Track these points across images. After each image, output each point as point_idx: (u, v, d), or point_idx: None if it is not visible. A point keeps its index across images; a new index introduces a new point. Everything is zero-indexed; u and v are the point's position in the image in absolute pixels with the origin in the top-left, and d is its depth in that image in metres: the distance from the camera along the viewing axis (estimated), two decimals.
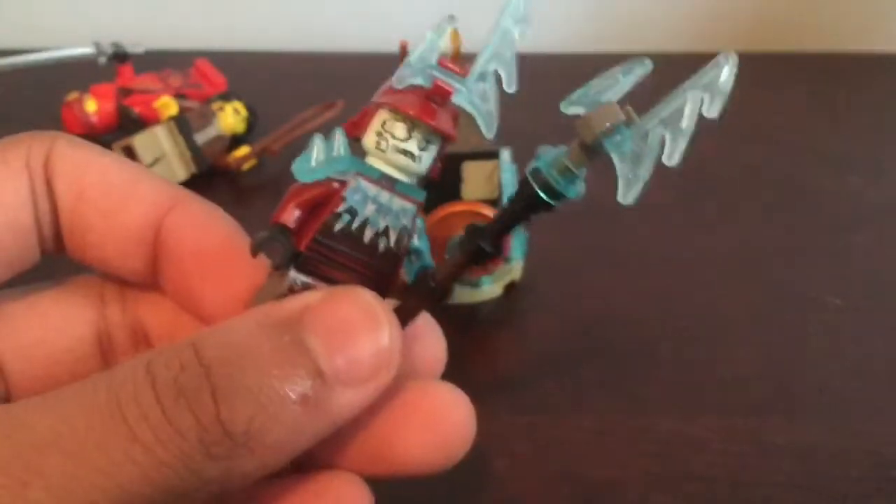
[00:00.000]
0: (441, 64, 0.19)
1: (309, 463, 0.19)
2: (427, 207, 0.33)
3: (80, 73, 0.63)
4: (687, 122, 0.17)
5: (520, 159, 0.41)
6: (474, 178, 0.40)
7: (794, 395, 0.37)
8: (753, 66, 0.78)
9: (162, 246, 0.21)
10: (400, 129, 0.19)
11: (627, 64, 0.18)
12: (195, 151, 0.54)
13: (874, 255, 0.47)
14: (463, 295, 0.42)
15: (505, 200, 0.20)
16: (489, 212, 0.39)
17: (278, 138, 0.56)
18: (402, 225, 0.20)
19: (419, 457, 0.19)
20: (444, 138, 0.20)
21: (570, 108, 0.18)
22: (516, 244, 0.41)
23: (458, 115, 0.20)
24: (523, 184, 0.19)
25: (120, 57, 0.63)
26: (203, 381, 0.15)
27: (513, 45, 0.19)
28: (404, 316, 0.19)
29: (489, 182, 0.40)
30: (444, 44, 0.19)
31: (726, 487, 0.32)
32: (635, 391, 0.37)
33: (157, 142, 0.53)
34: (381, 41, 0.66)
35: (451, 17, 0.19)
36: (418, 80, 0.19)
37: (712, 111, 0.17)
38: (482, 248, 0.20)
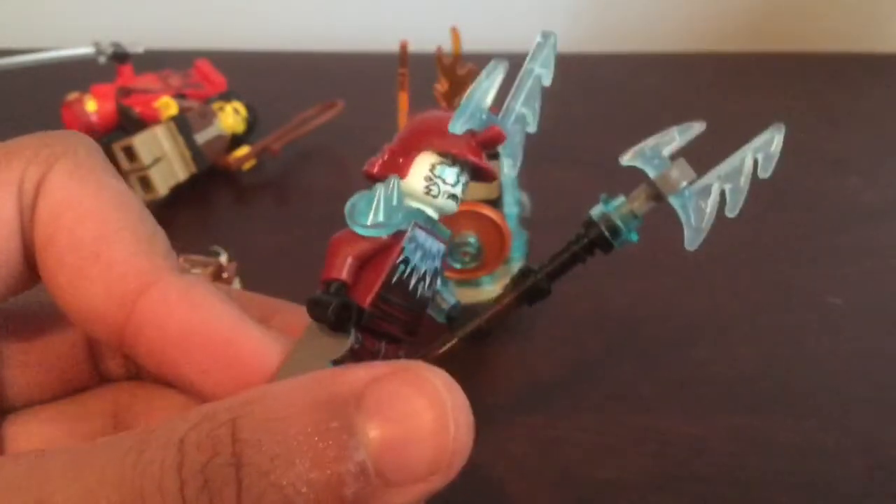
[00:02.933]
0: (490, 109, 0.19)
1: None
2: None
3: (80, 73, 0.63)
4: (745, 181, 0.20)
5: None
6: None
7: (795, 395, 0.37)
8: (753, 67, 0.78)
9: (138, 330, 0.18)
10: (451, 174, 0.19)
11: (684, 125, 0.20)
12: (195, 151, 0.54)
13: (874, 255, 0.47)
14: (463, 295, 0.42)
15: (563, 253, 0.21)
16: (489, 212, 0.39)
17: (278, 138, 0.57)
18: (436, 267, 0.19)
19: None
20: (486, 179, 0.20)
21: (630, 161, 0.20)
22: (517, 245, 0.41)
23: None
24: (588, 226, 0.20)
25: (120, 57, 0.63)
26: (231, 474, 0.14)
27: (540, 88, 0.19)
28: (447, 357, 0.19)
29: (489, 182, 0.40)
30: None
31: (726, 487, 0.32)
32: (635, 391, 0.37)
33: (157, 142, 0.53)
34: (381, 41, 0.66)
35: (500, 61, 0.19)
36: (473, 126, 0.19)
37: (765, 172, 0.20)
38: (539, 288, 0.20)
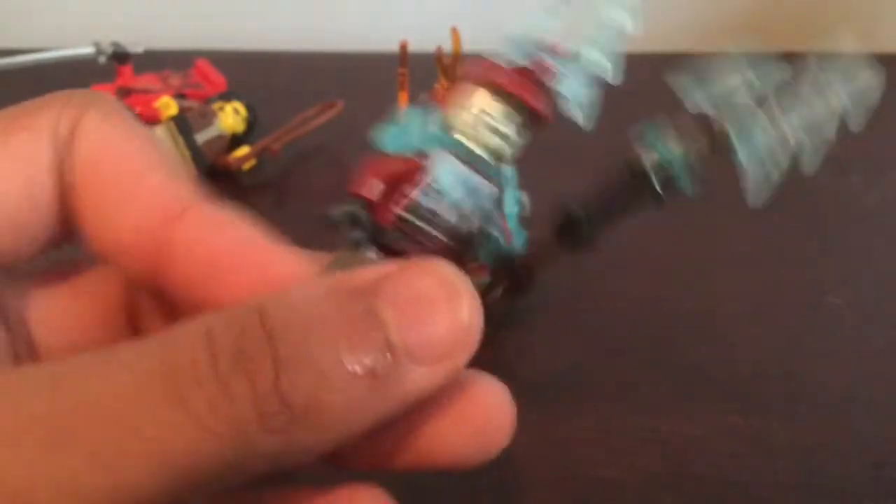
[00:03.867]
0: (547, 45, 0.18)
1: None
2: None
3: (80, 73, 0.63)
4: (830, 132, 0.16)
5: (520, 159, 0.41)
6: None
7: (794, 395, 0.37)
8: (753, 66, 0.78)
9: (173, 258, 0.19)
10: (499, 111, 0.18)
11: (752, 58, 0.17)
12: (195, 151, 0.54)
13: (874, 255, 0.47)
14: None
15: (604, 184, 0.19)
16: None
17: (278, 138, 0.57)
18: (483, 207, 0.19)
19: (456, 450, 0.18)
20: (538, 120, 0.19)
21: (693, 95, 0.17)
22: (516, 243, 0.41)
23: (553, 98, 0.19)
24: (639, 175, 0.18)
25: (120, 57, 0.63)
26: (264, 345, 0.14)
27: (620, 35, 0.18)
28: (485, 299, 0.18)
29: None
30: (550, 25, 0.18)
31: (726, 487, 0.32)
32: (636, 391, 0.37)
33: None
34: (381, 41, 0.66)
35: (567, 2, 0.18)
36: (520, 58, 0.18)
37: (856, 123, 0.16)
38: (578, 234, 0.19)
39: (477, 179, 0.18)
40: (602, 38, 0.17)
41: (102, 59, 0.63)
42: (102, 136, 0.19)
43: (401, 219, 0.17)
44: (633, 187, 0.18)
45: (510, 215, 0.40)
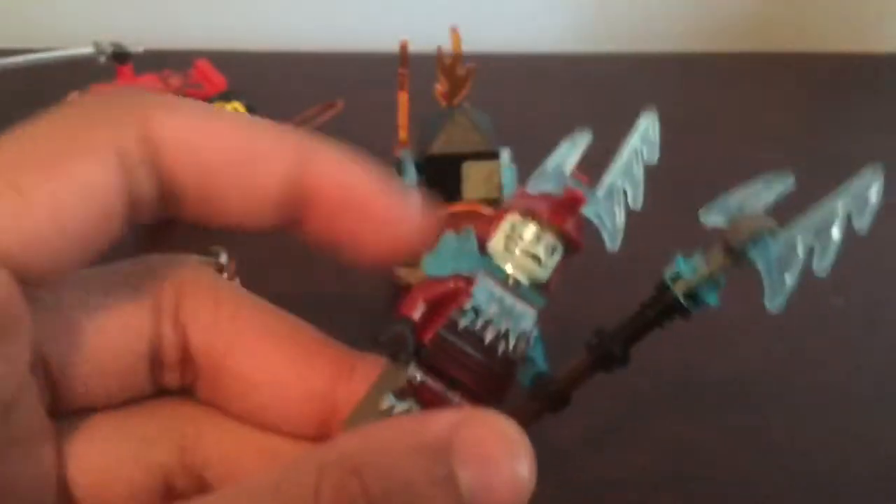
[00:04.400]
0: (574, 175, 0.20)
1: None
2: None
3: (80, 73, 0.63)
4: (837, 234, 0.17)
5: (519, 159, 0.41)
6: (475, 178, 0.40)
7: (795, 395, 0.37)
8: (753, 66, 0.78)
9: (308, 201, 0.21)
10: (529, 232, 0.19)
11: (767, 179, 0.19)
12: None
13: (875, 255, 0.47)
14: None
15: (638, 308, 0.20)
16: (489, 212, 0.39)
17: None
18: (522, 329, 0.20)
19: None
20: (571, 246, 0.20)
21: (710, 217, 0.19)
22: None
23: (584, 226, 0.20)
24: (661, 290, 0.20)
25: (120, 57, 0.63)
26: None
27: (641, 164, 0.19)
28: (522, 423, 0.19)
29: (489, 182, 0.40)
30: (574, 157, 0.20)
31: (726, 487, 0.32)
32: (636, 391, 0.37)
33: None
34: (381, 41, 0.66)
35: (584, 133, 0.20)
36: (551, 187, 0.19)
37: (862, 224, 0.17)
38: (612, 353, 0.20)
39: (512, 300, 0.19)
40: (628, 166, 0.19)
41: (102, 59, 0.63)
42: (188, 127, 0.20)
43: (441, 337, 0.19)
44: (659, 302, 0.19)
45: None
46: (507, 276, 0.19)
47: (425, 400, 0.19)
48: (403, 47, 0.42)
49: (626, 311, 0.21)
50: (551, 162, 0.19)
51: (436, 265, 0.20)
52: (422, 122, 0.44)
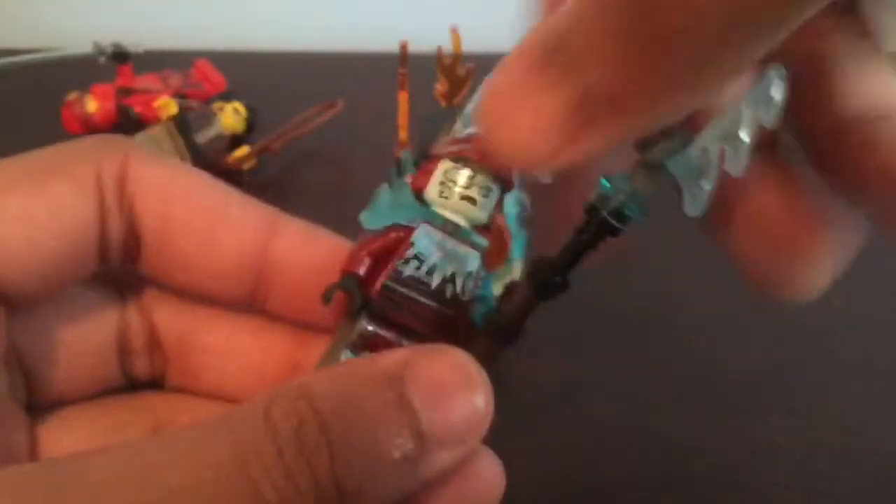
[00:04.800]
0: None
1: None
2: None
3: (80, 73, 0.63)
4: (745, 136, 0.17)
5: None
6: None
7: (795, 396, 0.37)
8: None
9: (269, 273, 0.21)
10: (462, 176, 0.20)
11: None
12: (195, 151, 0.54)
13: (874, 255, 0.47)
14: None
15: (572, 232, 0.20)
16: None
17: (278, 138, 0.57)
18: (468, 271, 0.20)
19: None
20: (506, 184, 0.20)
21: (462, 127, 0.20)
22: (517, 245, 0.41)
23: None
24: (591, 212, 0.19)
25: (120, 57, 0.63)
26: (321, 437, 0.16)
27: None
28: (479, 361, 0.19)
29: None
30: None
31: (726, 487, 0.32)
32: (636, 392, 0.37)
33: (157, 142, 0.53)
34: (381, 41, 0.66)
35: None
36: (476, 130, 0.20)
37: (768, 120, 0.17)
38: (552, 281, 0.20)
39: (455, 244, 0.20)
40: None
41: (102, 59, 0.63)
42: (161, 175, 0.21)
43: (387, 288, 0.19)
44: (590, 225, 0.19)
45: (510, 216, 0.40)
46: (446, 220, 0.20)
47: (380, 350, 0.19)
48: (403, 47, 0.42)
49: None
50: (473, 104, 0.20)
51: (374, 218, 0.20)
52: (422, 122, 0.44)
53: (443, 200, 0.20)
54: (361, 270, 0.19)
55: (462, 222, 0.20)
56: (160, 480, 0.15)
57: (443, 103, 0.42)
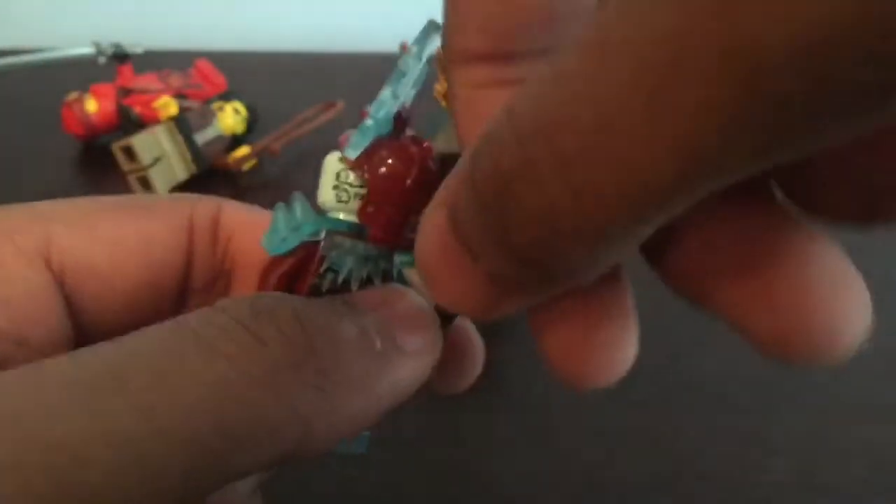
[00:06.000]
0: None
1: None
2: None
3: (80, 73, 0.63)
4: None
5: None
6: None
7: (794, 395, 0.37)
8: None
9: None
10: (353, 175, 0.19)
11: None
12: (195, 151, 0.54)
13: (874, 256, 0.47)
14: None
15: None
16: None
17: (278, 138, 0.57)
18: (383, 268, 0.19)
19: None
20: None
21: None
22: None
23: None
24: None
25: (120, 57, 0.63)
26: (279, 302, 0.15)
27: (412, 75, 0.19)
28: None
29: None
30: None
31: (726, 487, 0.32)
32: (635, 391, 0.37)
33: (157, 142, 0.53)
34: (381, 41, 0.66)
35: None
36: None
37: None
38: None
39: (364, 245, 0.19)
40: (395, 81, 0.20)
41: (102, 59, 0.63)
42: (256, 225, 0.21)
43: None
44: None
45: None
46: (349, 224, 0.19)
47: None
48: (403, 47, 0.42)
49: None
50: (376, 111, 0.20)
51: (276, 242, 0.19)
52: (422, 122, 0.44)
53: (341, 205, 0.19)
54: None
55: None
56: (100, 357, 0.14)
57: (443, 103, 0.42)
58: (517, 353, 0.40)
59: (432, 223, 0.14)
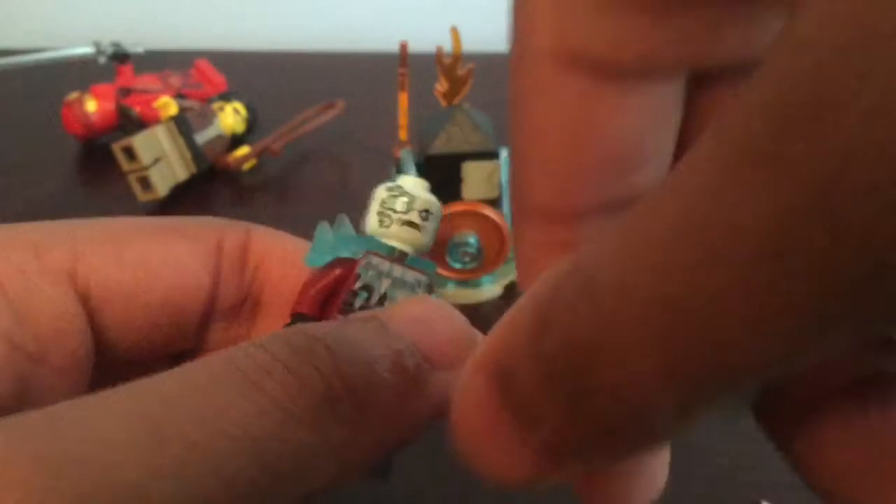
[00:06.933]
0: None
1: None
2: None
3: (80, 73, 0.63)
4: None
5: None
6: (474, 178, 0.40)
7: None
8: None
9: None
10: (400, 203, 0.20)
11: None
12: (195, 151, 0.54)
13: None
14: (463, 295, 0.42)
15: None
16: (489, 212, 0.39)
17: (278, 138, 0.57)
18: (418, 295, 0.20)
19: None
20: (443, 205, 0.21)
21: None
22: None
23: None
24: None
25: (120, 57, 0.63)
26: (314, 341, 0.16)
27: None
28: None
29: (489, 182, 0.40)
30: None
31: (726, 487, 0.32)
32: None
33: (157, 142, 0.53)
34: (381, 41, 0.66)
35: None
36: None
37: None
38: None
39: (402, 270, 0.20)
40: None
41: (102, 59, 0.63)
42: (285, 251, 0.22)
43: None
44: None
45: (510, 216, 0.40)
46: (391, 249, 0.20)
47: None
48: (403, 47, 0.42)
49: None
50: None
51: (318, 257, 0.20)
52: (422, 122, 0.44)
53: (384, 230, 0.20)
54: (311, 310, 0.19)
55: (407, 248, 0.20)
56: (149, 389, 0.14)
57: (443, 103, 0.42)
58: None
59: (473, 389, 0.13)
